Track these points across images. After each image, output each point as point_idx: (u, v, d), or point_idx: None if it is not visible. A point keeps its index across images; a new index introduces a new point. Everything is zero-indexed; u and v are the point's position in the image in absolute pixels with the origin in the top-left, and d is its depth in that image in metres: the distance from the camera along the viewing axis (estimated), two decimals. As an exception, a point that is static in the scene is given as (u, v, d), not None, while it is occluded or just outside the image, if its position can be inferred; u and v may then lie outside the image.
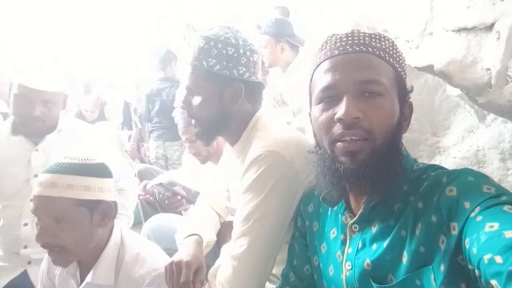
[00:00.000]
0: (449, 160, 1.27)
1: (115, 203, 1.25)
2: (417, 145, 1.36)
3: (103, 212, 1.21)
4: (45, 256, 1.40)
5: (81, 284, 1.24)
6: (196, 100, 1.21)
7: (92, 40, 5.91)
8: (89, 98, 4.60)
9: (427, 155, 1.34)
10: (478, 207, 0.66)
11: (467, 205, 0.67)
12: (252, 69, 1.22)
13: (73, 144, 1.77)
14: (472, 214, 0.66)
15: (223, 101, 1.20)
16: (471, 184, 0.71)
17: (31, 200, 1.60)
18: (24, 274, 1.70)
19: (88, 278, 1.22)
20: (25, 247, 1.71)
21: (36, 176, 1.70)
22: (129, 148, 4.17)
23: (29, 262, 1.70)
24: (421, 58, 1.03)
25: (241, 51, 1.18)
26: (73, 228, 1.15)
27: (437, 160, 1.31)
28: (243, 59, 1.19)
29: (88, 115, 4.42)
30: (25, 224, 1.72)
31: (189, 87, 1.22)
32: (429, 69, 1.02)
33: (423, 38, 1.02)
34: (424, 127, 1.35)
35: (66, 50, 5.83)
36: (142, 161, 4.17)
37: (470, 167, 1.22)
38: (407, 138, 1.36)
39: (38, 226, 1.16)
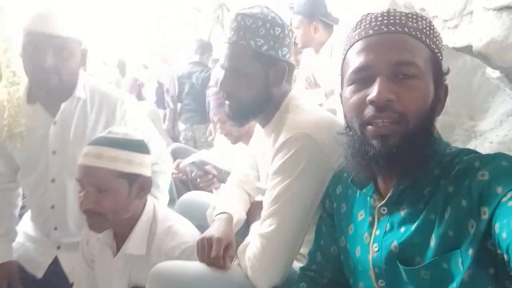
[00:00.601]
0: (485, 145, 1.23)
1: (151, 178, 1.33)
2: (453, 129, 1.32)
3: (140, 185, 1.28)
4: (83, 232, 1.48)
5: (117, 254, 1.33)
6: (240, 80, 1.20)
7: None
8: (126, 81, 4.71)
9: (463, 139, 1.30)
10: (511, 192, 0.64)
11: (499, 190, 0.66)
12: (291, 50, 1.23)
13: (109, 120, 1.58)
14: (504, 199, 0.65)
15: (267, 81, 1.20)
16: (504, 169, 0.69)
17: (52, 180, 1.57)
18: (56, 262, 1.64)
19: (123, 248, 1.30)
20: (55, 228, 1.63)
21: (54, 153, 1.54)
22: (165, 127, 4.26)
23: (58, 247, 1.65)
24: (460, 38, 0.99)
25: (286, 32, 1.18)
26: (113, 197, 1.23)
27: (473, 145, 1.27)
28: (287, 40, 1.19)
29: None
30: (52, 207, 1.60)
31: (231, 67, 1.21)
32: (467, 49, 0.98)
33: (462, 17, 0.98)
34: (460, 110, 1.31)
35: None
36: (175, 140, 4.26)
37: (506, 152, 1.18)
38: (442, 122, 1.32)
39: (82, 193, 1.24)
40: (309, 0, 2.54)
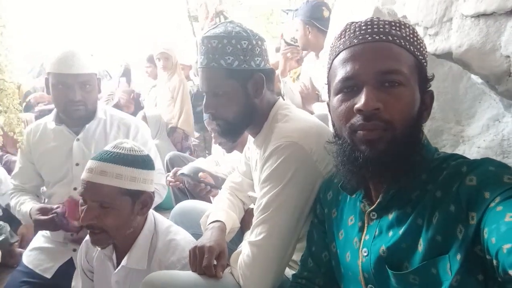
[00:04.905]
0: (473, 150, 1.23)
1: (153, 194, 1.32)
2: (440, 134, 1.33)
3: (144, 202, 1.28)
4: (83, 241, 1.47)
5: (117, 267, 1.32)
6: (221, 100, 1.21)
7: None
8: (124, 94, 4.77)
9: (451, 144, 1.30)
10: (499, 197, 0.65)
11: (487, 195, 0.67)
12: (265, 57, 1.24)
13: (120, 136, 1.82)
14: (492, 204, 0.65)
15: (248, 95, 1.21)
16: (492, 174, 0.70)
17: (74, 188, 1.71)
18: (70, 261, 1.78)
19: (123, 262, 1.28)
20: (72, 235, 1.78)
21: (77, 164, 1.79)
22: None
23: (74, 250, 1.77)
24: (440, 45, 1.00)
25: (254, 42, 1.19)
26: (116, 214, 1.22)
27: (461, 150, 1.27)
28: (257, 49, 1.20)
29: (124, 110, 4.56)
30: None
31: (211, 90, 1.22)
32: (448, 56, 0.99)
33: (442, 24, 0.99)
34: (448, 116, 1.32)
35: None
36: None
37: (494, 157, 1.18)
38: (430, 127, 1.33)
39: (84, 208, 1.22)
40: (306, 5, 2.62)
